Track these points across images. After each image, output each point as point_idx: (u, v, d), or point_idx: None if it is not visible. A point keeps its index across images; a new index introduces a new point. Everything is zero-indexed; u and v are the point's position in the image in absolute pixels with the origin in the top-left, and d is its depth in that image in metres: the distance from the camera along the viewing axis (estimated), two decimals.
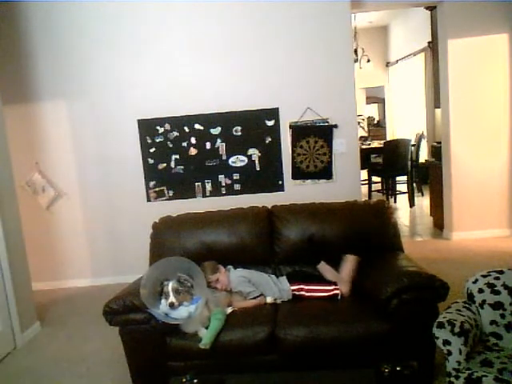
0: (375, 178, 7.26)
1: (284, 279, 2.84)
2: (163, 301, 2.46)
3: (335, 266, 2.83)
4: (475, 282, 2.27)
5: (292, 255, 3.01)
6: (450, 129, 4.84)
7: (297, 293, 2.75)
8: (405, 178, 6.84)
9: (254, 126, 4.41)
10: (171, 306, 2.42)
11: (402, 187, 7.21)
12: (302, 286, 2.75)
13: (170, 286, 2.46)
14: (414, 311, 2.38)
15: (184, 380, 2.01)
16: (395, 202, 7.18)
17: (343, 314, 2.52)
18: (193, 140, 4.45)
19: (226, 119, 4.40)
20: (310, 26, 4.29)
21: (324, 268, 2.83)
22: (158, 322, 2.44)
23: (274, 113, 4.39)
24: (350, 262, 2.77)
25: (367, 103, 10.89)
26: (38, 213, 4.58)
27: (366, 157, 6.81)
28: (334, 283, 2.74)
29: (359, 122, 8.02)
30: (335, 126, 4.37)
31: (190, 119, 4.41)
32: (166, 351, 2.49)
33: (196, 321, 2.46)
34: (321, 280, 2.79)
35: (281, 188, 4.48)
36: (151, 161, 4.49)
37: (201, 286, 2.55)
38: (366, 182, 6.98)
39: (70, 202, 4.60)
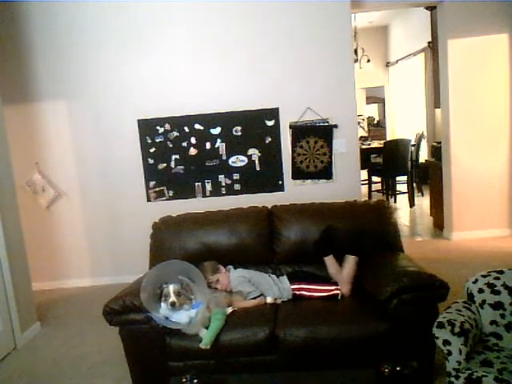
0: (375, 178, 7.26)
1: (284, 278, 2.84)
2: (163, 304, 2.45)
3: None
4: (475, 282, 2.27)
5: (292, 255, 3.01)
6: (449, 129, 4.84)
7: (297, 292, 2.75)
8: (405, 178, 6.84)
9: (254, 126, 4.41)
10: (172, 305, 2.40)
11: (402, 187, 7.21)
12: (302, 286, 2.75)
13: (171, 287, 2.45)
14: (413, 311, 2.38)
15: (184, 380, 2.01)
16: (395, 202, 7.17)
17: (343, 314, 2.52)
18: (193, 140, 4.45)
19: (226, 119, 4.40)
20: (309, 26, 4.29)
21: (330, 262, 2.81)
22: (158, 326, 2.44)
23: (274, 113, 4.39)
24: (349, 263, 2.76)
25: (367, 103, 10.89)
26: (37, 213, 4.59)
27: (365, 157, 6.80)
28: (335, 283, 2.74)
29: (359, 122, 8.03)
30: (335, 126, 4.37)
31: (189, 119, 4.42)
32: (165, 351, 2.49)
33: (197, 324, 2.45)
34: (321, 280, 2.79)
35: (281, 188, 4.48)
36: (151, 161, 4.49)
37: (201, 291, 2.54)
38: (366, 182, 6.98)
39: (69, 201, 4.61)
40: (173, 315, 2.44)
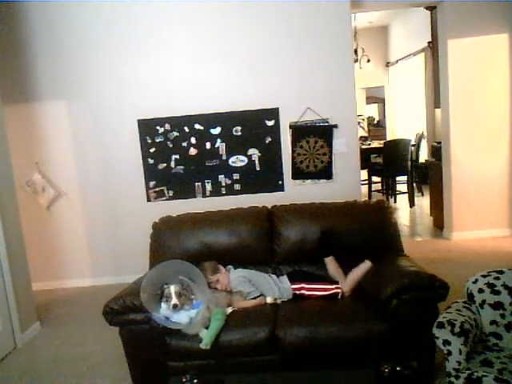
0: (375, 178, 7.26)
1: (285, 278, 2.84)
2: (163, 304, 2.45)
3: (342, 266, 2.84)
4: (475, 282, 2.27)
5: (292, 255, 3.01)
6: (449, 129, 4.84)
7: (297, 292, 2.75)
8: (405, 178, 6.84)
9: (254, 126, 4.41)
10: (174, 307, 2.40)
11: (402, 187, 7.21)
12: (302, 285, 2.75)
13: (173, 288, 2.44)
14: (414, 311, 2.38)
15: (184, 380, 2.01)
16: (395, 202, 7.18)
17: (343, 314, 2.52)
18: (193, 140, 4.45)
19: (226, 119, 4.40)
20: (309, 26, 4.28)
21: (331, 262, 2.83)
22: (158, 326, 2.44)
23: (274, 113, 4.39)
24: (364, 268, 2.74)
25: (367, 103, 10.89)
26: (38, 213, 4.59)
27: (366, 157, 6.80)
28: (335, 282, 2.74)
29: (359, 122, 8.03)
30: (335, 126, 4.37)
31: (190, 119, 4.42)
32: (165, 351, 2.49)
33: (197, 324, 2.45)
34: (321, 279, 2.79)
35: (281, 188, 4.48)
36: (151, 161, 4.49)
37: (202, 291, 2.53)
38: (366, 182, 6.98)
39: (69, 201, 4.61)
40: (173, 315, 2.43)
